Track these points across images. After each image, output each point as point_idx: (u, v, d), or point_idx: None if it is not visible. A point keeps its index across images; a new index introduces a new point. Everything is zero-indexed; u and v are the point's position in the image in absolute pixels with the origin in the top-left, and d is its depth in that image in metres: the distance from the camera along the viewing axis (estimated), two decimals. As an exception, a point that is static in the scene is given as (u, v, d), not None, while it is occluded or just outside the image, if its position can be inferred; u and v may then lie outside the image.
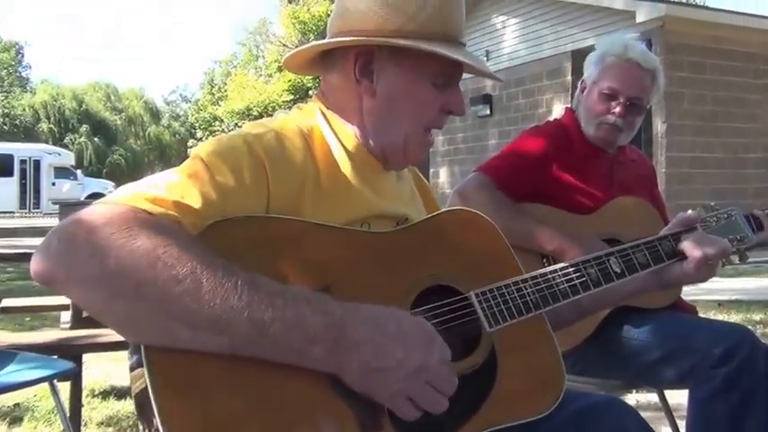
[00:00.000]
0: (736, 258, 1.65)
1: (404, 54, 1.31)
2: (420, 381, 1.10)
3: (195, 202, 1.12)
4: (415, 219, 1.38)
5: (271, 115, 1.48)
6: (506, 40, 15.30)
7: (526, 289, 1.35)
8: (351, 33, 1.32)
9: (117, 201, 1.09)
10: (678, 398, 2.41)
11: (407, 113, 1.35)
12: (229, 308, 1.01)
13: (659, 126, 12.21)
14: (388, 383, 1.08)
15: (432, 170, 16.79)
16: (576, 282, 1.42)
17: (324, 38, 1.39)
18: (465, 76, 1.41)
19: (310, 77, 25.23)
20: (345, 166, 1.33)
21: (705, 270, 1.56)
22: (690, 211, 1.63)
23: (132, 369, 1.08)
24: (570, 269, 1.42)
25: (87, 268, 1.01)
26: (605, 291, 1.46)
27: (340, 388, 1.10)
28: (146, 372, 1.01)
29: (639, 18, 11.98)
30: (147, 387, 1.00)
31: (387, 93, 1.34)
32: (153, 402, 0.99)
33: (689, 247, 1.55)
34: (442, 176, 16.71)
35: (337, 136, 1.36)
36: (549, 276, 1.39)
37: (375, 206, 1.34)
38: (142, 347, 1.03)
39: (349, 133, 1.37)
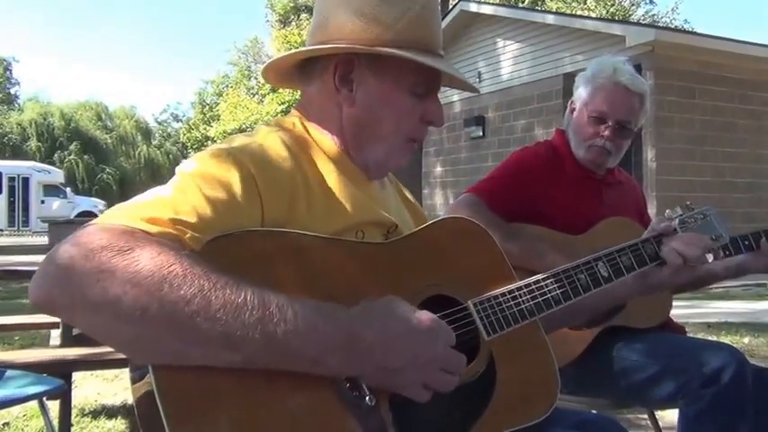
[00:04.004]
0: (710, 258, 1.68)
1: (383, 63, 1.32)
2: (433, 369, 1.14)
3: (190, 218, 1.11)
4: (404, 228, 1.40)
5: None
6: (498, 63, 15.42)
7: (521, 297, 1.38)
8: (330, 43, 1.33)
9: (113, 222, 1.07)
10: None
11: (387, 122, 1.36)
12: (241, 324, 1.01)
13: (649, 150, 12.30)
14: (404, 378, 1.13)
15: (425, 191, 16.82)
16: (568, 287, 1.45)
17: None
18: (459, 97, 1.43)
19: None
20: (332, 175, 1.33)
21: (685, 272, 1.62)
22: (667, 211, 1.69)
23: (134, 381, 1.07)
24: (561, 275, 1.46)
25: (90, 293, 0.99)
26: (594, 295, 1.50)
27: (347, 400, 1.11)
28: (154, 387, 1.01)
29: (629, 42, 12.10)
30: (152, 400, 1.00)
31: (366, 102, 1.35)
32: (164, 420, 0.99)
33: (668, 252, 1.61)
34: (436, 198, 16.74)
35: (319, 145, 1.36)
36: (543, 283, 1.43)
37: (367, 212, 1.34)
38: (150, 366, 1.02)
39: (330, 143, 1.37)
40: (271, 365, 1.04)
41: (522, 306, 1.37)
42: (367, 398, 1.11)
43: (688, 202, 1.80)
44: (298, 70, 1.43)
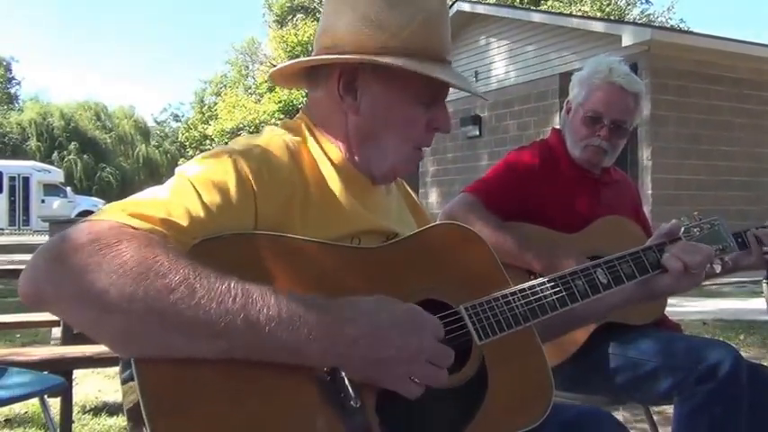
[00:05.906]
0: (718, 268, 1.68)
1: (388, 71, 1.29)
2: (420, 361, 1.12)
3: (182, 219, 1.11)
4: (404, 235, 1.37)
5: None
6: (495, 62, 15.45)
7: (515, 302, 1.35)
8: (335, 50, 1.32)
9: (103, 217, 1.07)
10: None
11: (393, 131, 1.35)
12: (225, 311, 1.01)
13: (645, 148, 12.33)
14: (390, 370, 1.11)
15: (421, 190, 16.83)
16: (564, 294, 1.42)
17: None
18: (455, 96, 1.44)
19: (301, 97, 25.32)
20: (333, 181, 1.32)
21: (687, 279, 1.57)
22: (673, 221, 1.66)
23: (124, 382, 1.08)
24: (558, 281, 1.43)
25: (76, 286, 1.00)
26: (593, 302, 1.47)
27: (332, 401, 1.10)
28: (136, 385, 1.00)
29: (626, 42, 12.13)
30: (138, 401, 1.00)
31: (371, 110, 1.33)
32: (144, 417, 0.99)
33: (669, 258, 1.56)
34: (432, 197, 16.75)
35: (324, 151, 1.35)
36: (538, 289, 1.40)
37: (365, 221, 1.33)
38: (132, 361, 1.02)
39: (335, 149, 1.36)
40: (253, 355, 1.04)
41: (516, 311, 1.34)
42: (352, 401, 1.10)
43: (696, 213, 1.80)
44: (305, 72, 1.42)
